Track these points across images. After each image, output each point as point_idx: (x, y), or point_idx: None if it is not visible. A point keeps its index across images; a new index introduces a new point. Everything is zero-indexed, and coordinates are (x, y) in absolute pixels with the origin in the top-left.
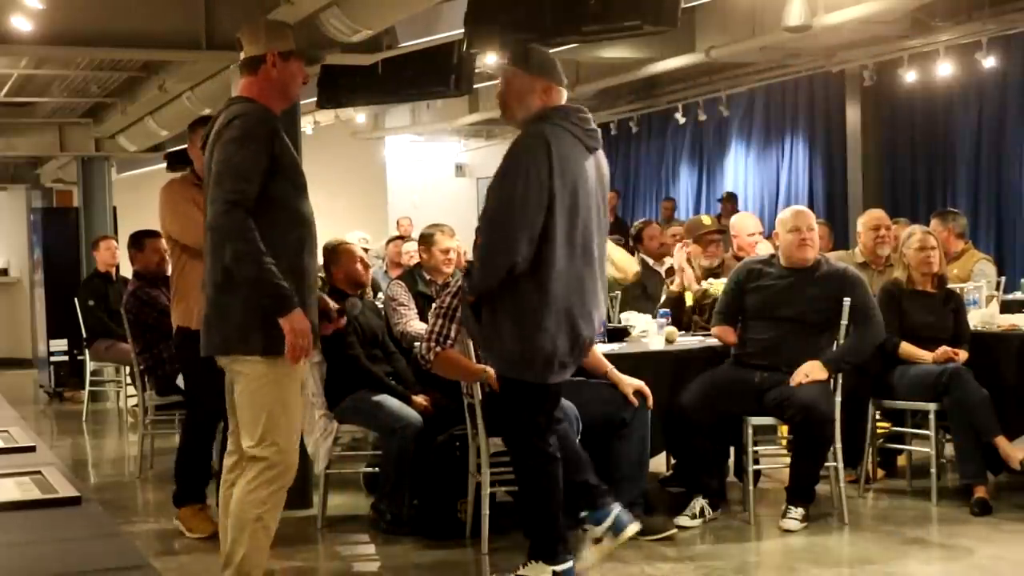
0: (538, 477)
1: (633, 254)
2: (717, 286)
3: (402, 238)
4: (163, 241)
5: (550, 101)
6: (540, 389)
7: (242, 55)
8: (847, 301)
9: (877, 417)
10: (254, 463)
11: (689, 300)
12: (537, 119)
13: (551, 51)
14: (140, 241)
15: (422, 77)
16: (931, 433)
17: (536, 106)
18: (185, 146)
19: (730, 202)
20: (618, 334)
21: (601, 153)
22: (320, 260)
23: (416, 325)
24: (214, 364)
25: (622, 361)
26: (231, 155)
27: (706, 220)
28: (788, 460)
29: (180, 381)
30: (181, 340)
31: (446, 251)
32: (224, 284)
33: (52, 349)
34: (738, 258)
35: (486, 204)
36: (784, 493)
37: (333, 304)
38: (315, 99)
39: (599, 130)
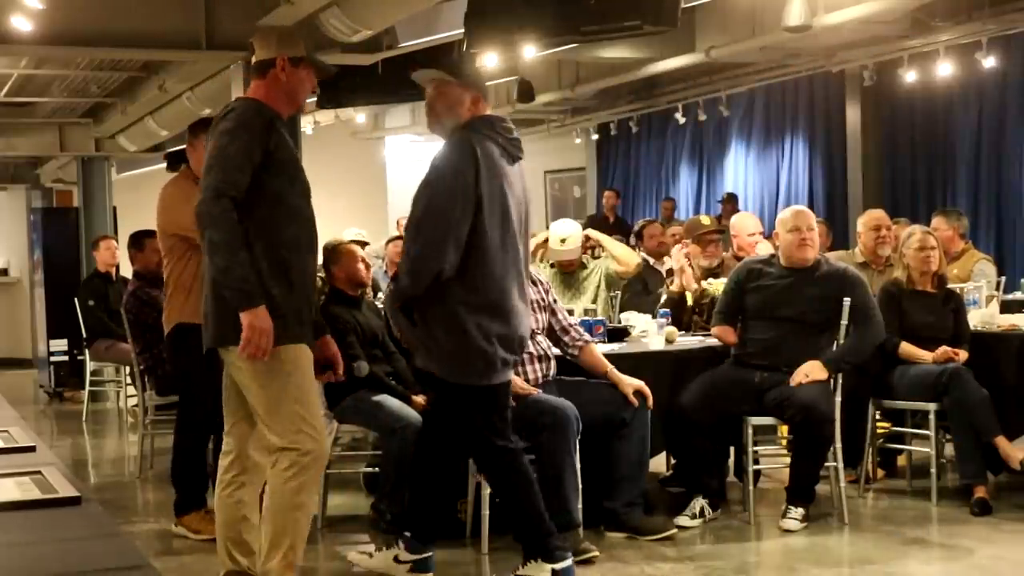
0: (508, 475)
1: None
2: (717, 286)
3: (402, 238)
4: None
5: (477, 112)
6: (488, 391)
7: (253, 59)
8: (847, 301)
9: (877, 417)
10: (285, 454)
11: (689, 300)
12: (463, 128)
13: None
14: (140, 241)
15: None
16: (931, 433)
17: (464, 116)
18: (185, 146)
19: (731, 203)
20: (618, 334)
21: (522, 163)
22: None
23: None
24: (213, 361)
25: (622, 361)
26: (223, 145)
27: (705, 220)
28: (788, 460)
29: None
30: (178, 336)
31: None
32: None
33: (52, 349)
34: (738, 258)
35: (412, 211)
36: (784, 493)
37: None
38: (315, 99)
39: (521, 140)
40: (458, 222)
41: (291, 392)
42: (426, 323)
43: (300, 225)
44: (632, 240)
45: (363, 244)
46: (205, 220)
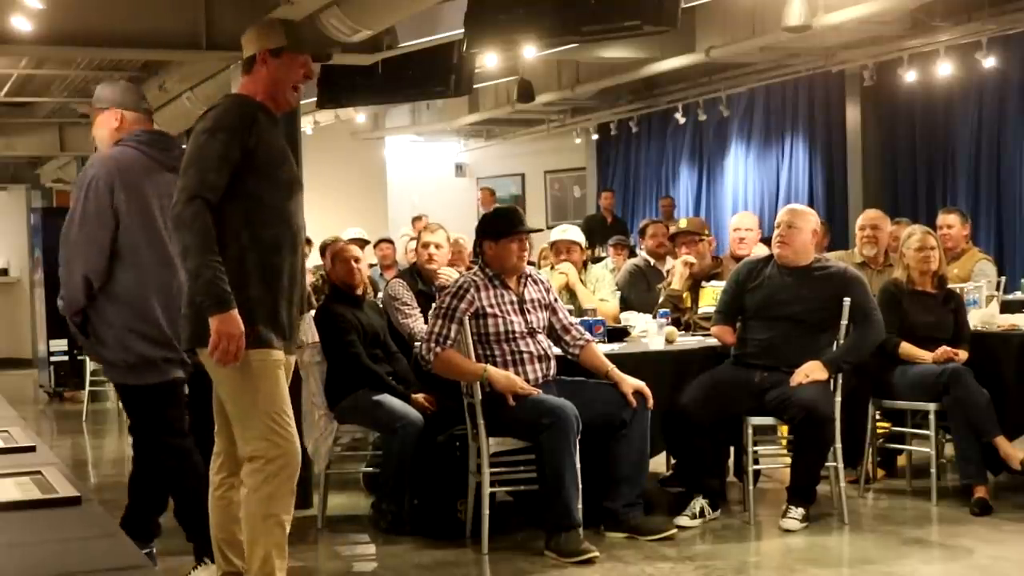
0: (182, 476)
1: (635, 253)
2: (712, 291)
3: (390, 241)
4: None
5: (124, 128)
6: (154, 389)
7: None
8: (847, 301)
9: (877, 417)
10: (251, 462)
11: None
12: (114, 145)
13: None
14: None
15: (422, 77)
16: (931, 433)
17: (112, 136)
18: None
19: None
20: (618, 334)
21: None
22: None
23: (423, 326)
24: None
25: (622, 361)
26: (200, 145)
27: (682, 223)
28: (788, 460)
29: None
30: None
31: (426, 246)
32: None
33: (52, 349)
34: (736, 257)
35: (65, 227)
36: (784, 493)
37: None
38: (315, 99)
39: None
40: (100, 233)
41: (258, 398)
42: (95, 329)
43: (280, 225)
44: (635, 239)
45: (363, 243)
46: (176, 223)
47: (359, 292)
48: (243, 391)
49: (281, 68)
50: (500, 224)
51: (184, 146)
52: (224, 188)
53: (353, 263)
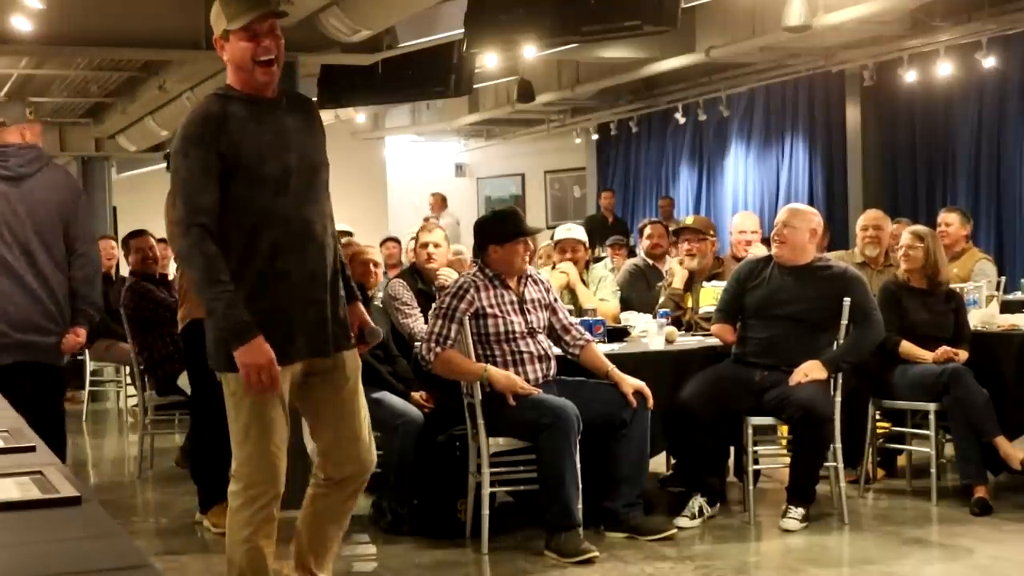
0: None
1: (634, 253)
2: (712, 291)
3: (396, 240)
4: (151, 239)
5: None
6: None
7: None
8: (847, 300)
9: (877, 417)
10: (235, 481)
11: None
12: None
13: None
14: (126, 243)
15: (422, 77)
16: (931, 433)
17: None
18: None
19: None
20: (618, 334)
21: (39, 179)
22: None
23: (423, 326)
24: None
25: (622, 361)
26: (178, 168)
27: (688, 220)
28: (788, 460)
29: (180, 381)
30: (193, 332)
31: (424, 245)
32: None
33: None
34: (736, 258)
35: None
36: (784, 493)
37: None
38: (315, 99)
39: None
40: None
41: (247, 422)
42: None
43: (279, 226)
44: (635, 239)
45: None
46: (180, 259)
47: (368, 293)
48: (236, 410)
49: (235, 49)
50: (504, 227)
51: (20, 153)
52: (217, 203)
53: (372, 266)
